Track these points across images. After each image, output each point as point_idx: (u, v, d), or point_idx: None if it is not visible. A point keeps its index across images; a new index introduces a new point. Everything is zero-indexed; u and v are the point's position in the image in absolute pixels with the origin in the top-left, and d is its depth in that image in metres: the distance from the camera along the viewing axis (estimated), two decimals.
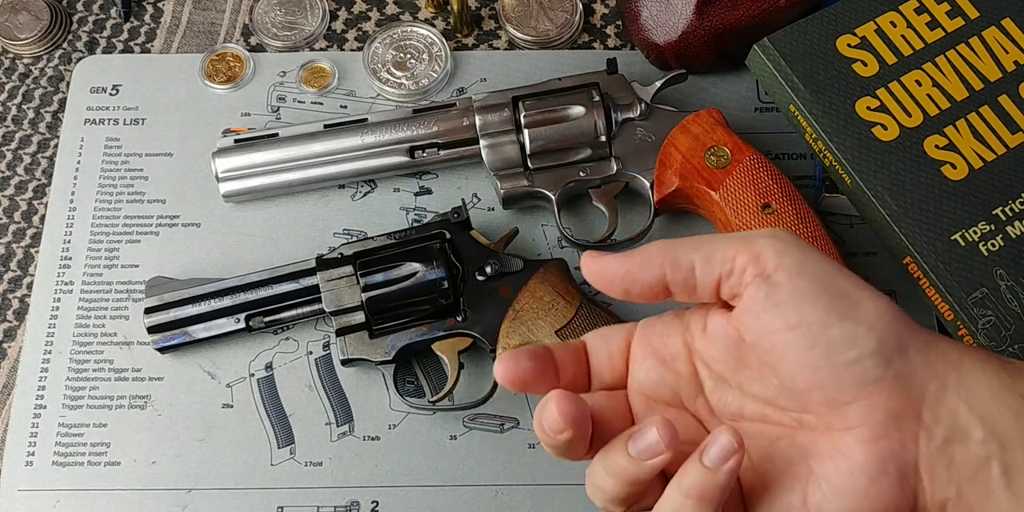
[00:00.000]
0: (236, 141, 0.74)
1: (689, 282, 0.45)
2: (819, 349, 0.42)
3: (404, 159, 0.74)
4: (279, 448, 0.69)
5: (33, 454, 0.69)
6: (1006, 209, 0.65)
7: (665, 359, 0.47)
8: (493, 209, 0.76)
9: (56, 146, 0.78)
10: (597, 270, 0.47)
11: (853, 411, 0.42)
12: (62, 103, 0.80)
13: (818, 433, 0.44)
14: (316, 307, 0.69)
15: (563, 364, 0.48)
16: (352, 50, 0.81)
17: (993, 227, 0.65)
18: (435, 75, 0.79)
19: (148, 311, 0.69)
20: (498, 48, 0.81)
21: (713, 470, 0.42)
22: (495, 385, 0.68)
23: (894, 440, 0.42)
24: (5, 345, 0.73)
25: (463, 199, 0.72)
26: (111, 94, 0.80)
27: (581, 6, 0.81)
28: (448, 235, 0.69)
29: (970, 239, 0.64)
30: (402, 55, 0.79)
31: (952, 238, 0.64)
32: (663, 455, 0.42)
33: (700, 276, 0.45)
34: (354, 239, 0.74)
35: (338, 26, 0.82)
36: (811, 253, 0.44)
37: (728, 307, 0.45)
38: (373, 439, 0.70)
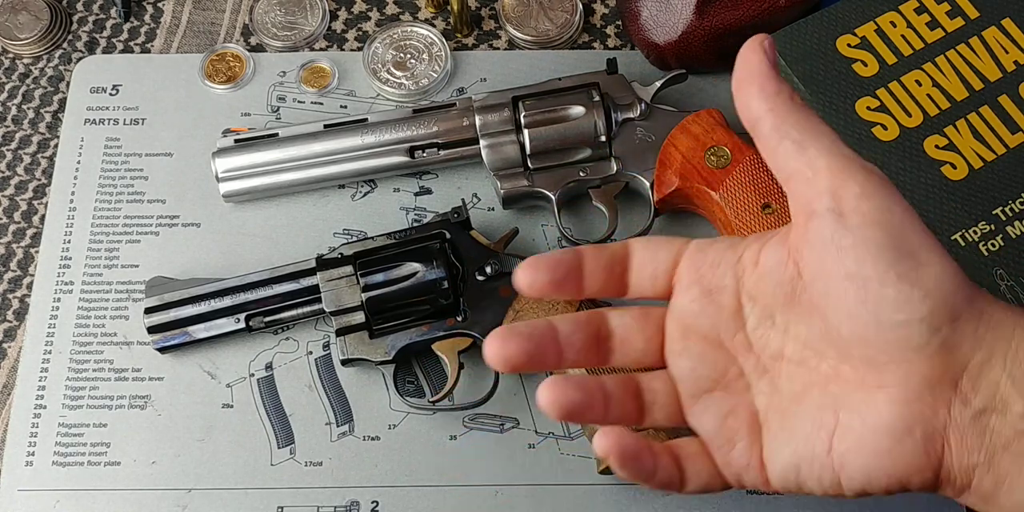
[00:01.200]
0: (236, 141, 0.74)
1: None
2: (870, 305, 0.42)
3: (404, 159, 0.74)
4: (279, 448, 0.69)
5: (33, 454, 0.69)
6: (1006, 209, 0.65)
7: (711, 291, 0.47)
8: (493, 209, 0.76)
9: (56, 146, 0.78)
10: None
11: (889, 371, 0.42)
12: (62, 103, 0.80)
13: (851, 386, 0.44)
14: (316, 307, 0.69)
15: (591, 274, 0.48)
16: (352, 50, 0.81)
17: (993, 227, 0.65)
18: (435, 75, 0.79)
19: (148, 311, 0.69)
20: (498, 48, 0.81)
21: None
22: (495, 385, 0.68)
23: (925, 405, 0.42)
24: (5, 345, 0.73)
25: (463, 199, 0.72)
26: (111, 94, 0.80)
27: (581, 6, 0.81)
28: (448, 235, 0.69)
29: (970, 239, 0.64)
30: (402, 55, 0.79)
31: (952, 238, 0.64)
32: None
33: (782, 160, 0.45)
34: (354, 239, 0.74)
35: (338, 26, 0.82)
36: (895, 203, 0.43)
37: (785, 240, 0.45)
38: (373, 439, 0.70)
